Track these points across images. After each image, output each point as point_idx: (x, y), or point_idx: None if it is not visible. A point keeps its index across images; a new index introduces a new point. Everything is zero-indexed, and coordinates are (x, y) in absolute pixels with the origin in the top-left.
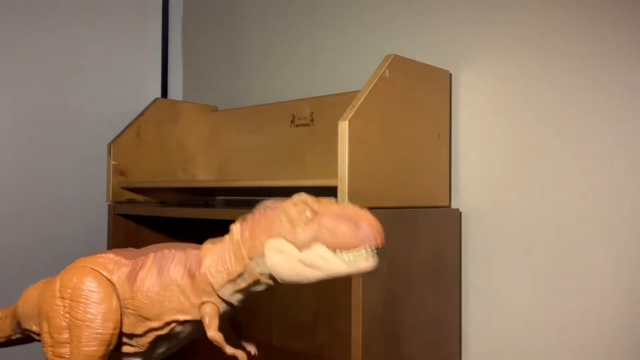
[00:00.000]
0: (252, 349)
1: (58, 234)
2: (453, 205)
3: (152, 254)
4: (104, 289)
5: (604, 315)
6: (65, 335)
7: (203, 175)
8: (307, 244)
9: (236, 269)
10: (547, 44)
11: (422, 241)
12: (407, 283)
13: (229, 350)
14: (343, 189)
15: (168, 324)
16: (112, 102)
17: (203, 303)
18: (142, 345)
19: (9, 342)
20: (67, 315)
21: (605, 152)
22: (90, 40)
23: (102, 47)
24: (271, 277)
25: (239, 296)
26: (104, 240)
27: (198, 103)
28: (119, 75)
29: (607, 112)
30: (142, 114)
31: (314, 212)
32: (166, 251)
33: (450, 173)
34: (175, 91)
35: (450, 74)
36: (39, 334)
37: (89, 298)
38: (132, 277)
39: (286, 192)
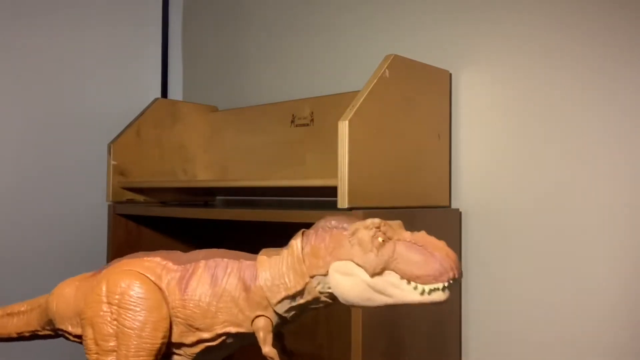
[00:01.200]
0: None
1: (58, 234)
2: (453, 205)
3: (203, 261)
4: (153, 296)
5: (603, 314)
6: (112, 343)
7: (203, 175)
8: (378, 270)
9: (296, 285)
10: (547, 44)
11: None
12: None
13: None
14: (343, 189)
15: (220, 335)
16: (112, 102)
17: (257, 317)
18: (189, 355)
19: (34, 337)
20: (115, 322)
21: (606, 152)
22: (90, 40)
23: (102, 47)
24: (331, 296)
25: (294, 312)
26: (104, 240)
27: (198, 103)
28: (119, 75)
29: (608, 112)
30: (142, 114)
31: (387, 238)
32: (219, 259)
33: (450, 173)
34: (175, 91)
35: (450, 74)
36: (75, 336)
37: (138, 305)
38: (182, 285)
39: (286, 192)
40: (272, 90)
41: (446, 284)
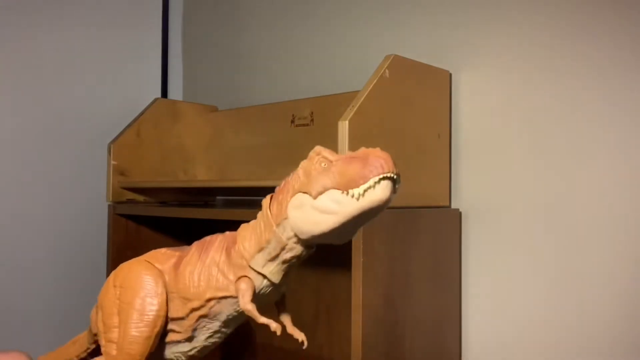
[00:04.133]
0: (301, 337)
1: (58, 234)
2: (453, 205)
3: (195, 244)
4: (151, 275)
5: (604, 315)
6: (115, 320)
7: (203, 175)
8: (321, 189)
9: (265, 236)
10: (547, 44)
11: (422, 241)
12: (407, 283)
13: (262, 320)
14: None
15: (208, 301)
16: (112, 102)
17: (239, 278)
18: (186, 330)
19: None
20: (117, 301)
21: (607, 152)
22: (90, 40)
23: (102, 47)
24: (298, 240)
25: (271, 267)
26: (104, 240)
27: (198, 103)
28: (119, 75)
29: (609, 111)
30: (142, 114)
31: (329, 162)
32: (208, 238)
33: (450, 173)
34: (175, 91)
35: (450, 74)
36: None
37: (137, 283)
38: (177, 264)
39: None
40: (272, 90)
41: (377, 179)
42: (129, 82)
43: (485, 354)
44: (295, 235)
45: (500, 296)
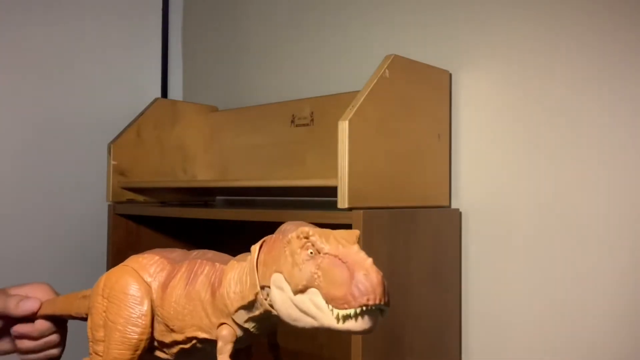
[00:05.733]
0: None
1: (58, 234)
2: (453, 205)
3: (187, 262)
4: (138, 293)
5: (604, 315)
6: (101, 334)
7: (203, 175)
8: (301, 287)
9: (249, 295)
10: (547, 44)
11: (422, 241)
12: (407, 283)
13: None
14: (343, 189)
15: (190, 339)
16: (112, 102)
17: (221, 324)
18: (171, 354)
19: None
20: (104, 314)
21: (606, 151)
22: (90, 40)
23: (102, 47)
24: None
25: (253, 324)
26: (104, 240)
27: (198, 103)
28: (119, 75)
29: (608, 111)
30: (142, 114)
31: (316, 250)
32: (199, 261)
33: (450, 173)
34: (175, 91)
35: (450, 74)
36: None
37: (122, 301)
38: (165, 284)
39: (286, 192)
40: (272, 90)
41: (358, 311)
42: (129, 82)
43: (485, 354)
44: None
45: (500, 296)
